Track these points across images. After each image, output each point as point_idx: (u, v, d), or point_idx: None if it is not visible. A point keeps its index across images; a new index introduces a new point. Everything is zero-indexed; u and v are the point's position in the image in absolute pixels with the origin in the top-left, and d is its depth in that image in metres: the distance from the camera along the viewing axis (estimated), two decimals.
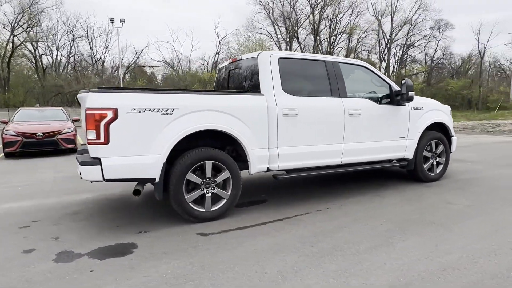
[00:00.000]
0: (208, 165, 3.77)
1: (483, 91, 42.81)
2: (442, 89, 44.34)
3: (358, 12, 46.98)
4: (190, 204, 3.71)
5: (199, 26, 70.88)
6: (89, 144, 3.35)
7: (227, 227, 3.66)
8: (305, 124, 4.26)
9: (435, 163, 5.54)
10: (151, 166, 3.49)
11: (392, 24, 49.94)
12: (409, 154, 5.21)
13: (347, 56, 45.97)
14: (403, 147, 5.13)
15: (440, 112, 5.59)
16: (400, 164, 5.19)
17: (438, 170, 5.58)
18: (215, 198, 3.87)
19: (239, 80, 4.76)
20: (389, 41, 49.99)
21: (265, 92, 4.10)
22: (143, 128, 3.44)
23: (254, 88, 4.32)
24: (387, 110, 4.94)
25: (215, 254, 3.00)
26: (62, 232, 3.62)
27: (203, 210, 3.79)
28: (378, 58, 49.48)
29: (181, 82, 38.60)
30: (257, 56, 4.28)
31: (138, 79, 42.00)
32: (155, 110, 3.47)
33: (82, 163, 3.34)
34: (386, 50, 50.01)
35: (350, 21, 47.02)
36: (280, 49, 47.65)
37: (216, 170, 3.85)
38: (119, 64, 37.42)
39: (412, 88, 4.76)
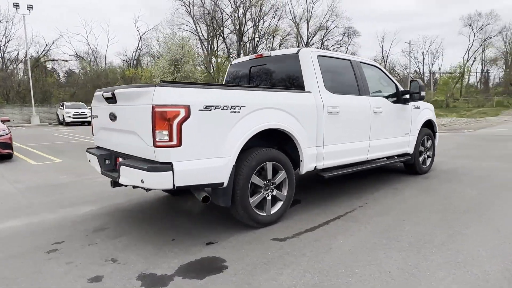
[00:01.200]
0: (269, 166, 3.57)
1: None
2: None
3: (280, 15, 48.91)
4: (253, 208, 3.46)
5: (116, 19, 65.97)
6: (158, 146, 2.88)
7: (293, 230, 3.50)
8: (344, 122, 4.31)
9: (426, 156, 6.10)
10: (222, 169, 3.15)
11: (308, 29, 53.24)
12: (411, 149, 5.64)
13: None
14: (407, 142, 5.53)
15: (429, 110, 6.16)
16: (406, 159, 5.58)
17: (428, 163, 6.15)
18: (272, 201, 3.67)
19: (267, 77, 4.59)
20: (306, 45, 53.13)
21: (310, 89, 4.03)
22: (214, 128, 3.09)
23: (292, 85, 4.21)
24: (397, 108, 5.27)
25: (316, 258, 2.85)
26: (109, 252, 3.06)
27: (264, 214, 3.57)
28: None
29: (102, 79, 35.41)
30: (297, 53, 4.18)
31: (49, 74, 37.21)
32: (224, 108, 3.15)
33: (151, 169, 2.86)
34: None
35: (273, 24, 48.70)
36: (203, 47, 46.99)
37: (274, 171, 3.66)
38: (25, 57, 32.58)
39: (424, 88, 5.16)
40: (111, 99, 3.42)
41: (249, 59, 4.89)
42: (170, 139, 2.86)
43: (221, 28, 44.70)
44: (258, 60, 4.73)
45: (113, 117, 3.46)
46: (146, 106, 2.90)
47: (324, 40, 52.19)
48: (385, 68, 52.53)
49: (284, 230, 3.50)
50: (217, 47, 47.58)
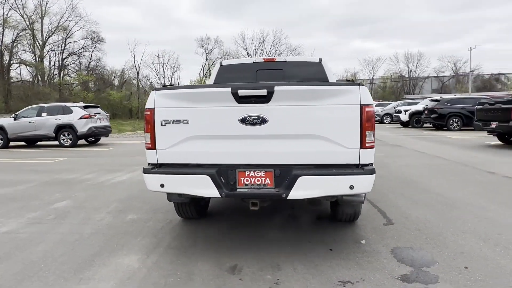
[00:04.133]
0: None
1: (141, 102, 49.17)
2: (104, 98, 46.31)
3: (12, 4, 39.52)
4: None
5: None
6: (366, 148, 2.74)
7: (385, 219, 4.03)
8: None
9: None
10: None
11: (42, 26, 45.78)
12: None
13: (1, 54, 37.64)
14: None
15: None
16: None
17: None
18: None
19: (283, 81, 4.66)
20: (44, 44, 45.65)
21: None
22: None
23: None
24: None
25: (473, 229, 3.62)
26: (324, 278, 2.58)
27: None
28: (35, 60, 43.89)
29: None
30: (320, 61, 4.61)
31: None
32: None
33: (368, 171, 2.70)
34: (39, 53, 45.20)
35: (3, 14, 38.68)
36: None
37: None
38: None
39: None
40: (260, 98, 2.73)
41: (254, 62, 4.73)
42: (374, 140, 2.82)
43: None
44: (268, 64, 4.69)
45: (256, 120, 2.75)
46: (351, 106, 2.71)
47: (67, 42, 46.60)
48: (138, 77, 53.21)
49: (376, 219, 3.96)
50: None
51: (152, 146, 2.95)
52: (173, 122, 2.89)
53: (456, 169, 6.93)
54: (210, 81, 4.84)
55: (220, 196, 2.81)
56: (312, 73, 4.67)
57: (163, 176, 2.88)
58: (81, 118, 12.47)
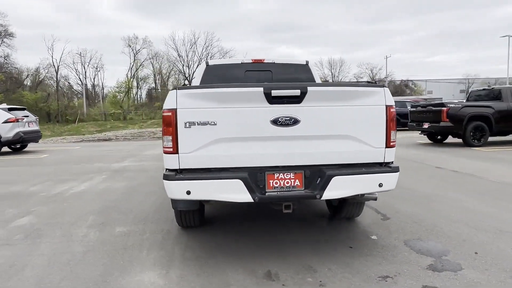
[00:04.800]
0: None
1: (61, 105, 44.79)
2: (16, 100, 41.31)
3: None
4: None
5: None
6: (390, 147, 2.87)
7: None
8: None
9: None
10: None
11: None
12: None
13: None
14: None
15: None
16: None
17: None
18: None
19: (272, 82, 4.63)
20: None
21: None
22: None
23: None
24: None
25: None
26: (364, 276, 2.62)
27: None
28: None
29: None
30: (307, 64, 4.69)
31: None
32: None
33: (395, 169, 2.86)
34: None
35: None
36: None
37: None
38: None
39: None
40: (293, 98, 2.67)
41: (242, 63, 4.62)
42: (395, 139, 2.95)
43: None
44: (256, 65, 4.63)
45: (288, 121, 2.69)
46: (377, 106, 2.81)
47: None
48: (57, 77, 48.44)
49: (372, 215, 4.14)
50: None
51: (174, 150, 2.70)
52: (199, 124, 2.68)
53: (408, 165, 7.58)
54: (196, 81, 4.60)
55: (252, 201, 2.68)
56: (300, 75, 4.72)
57: (189, 182, 2.65)
58: (5, 122, 10.92)
